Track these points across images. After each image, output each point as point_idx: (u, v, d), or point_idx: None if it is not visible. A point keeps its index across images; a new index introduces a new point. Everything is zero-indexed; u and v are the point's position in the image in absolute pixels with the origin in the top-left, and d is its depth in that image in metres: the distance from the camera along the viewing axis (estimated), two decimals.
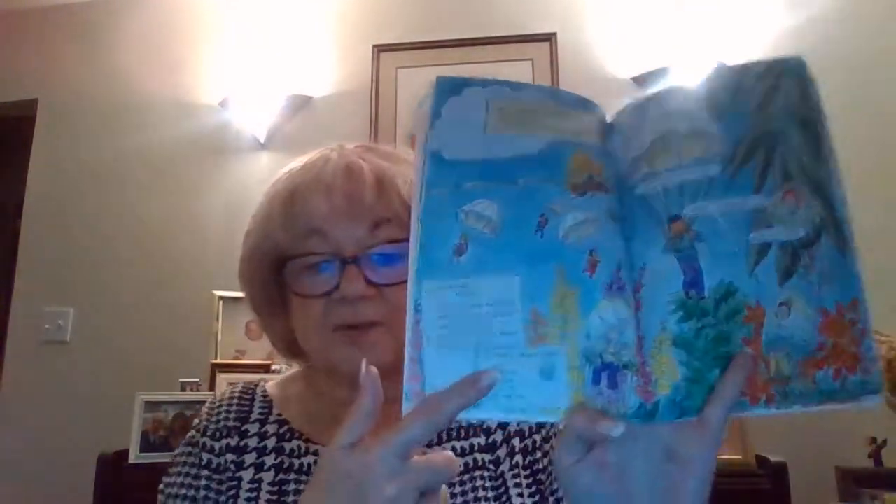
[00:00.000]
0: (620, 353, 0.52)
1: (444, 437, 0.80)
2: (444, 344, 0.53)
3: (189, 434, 0.85)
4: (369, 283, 0.73)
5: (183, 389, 2.16)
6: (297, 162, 0.81)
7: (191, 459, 0.82)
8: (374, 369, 0.54)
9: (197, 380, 2.20)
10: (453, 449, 0.79)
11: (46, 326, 2.66)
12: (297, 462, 0.80)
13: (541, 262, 0.54)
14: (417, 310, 0.53)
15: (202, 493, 0.79)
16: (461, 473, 0.77)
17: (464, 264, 0.54)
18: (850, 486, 1.74)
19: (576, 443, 0.52)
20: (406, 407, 0.52)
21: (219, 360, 2.28)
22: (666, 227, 0.54)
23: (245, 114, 2.68)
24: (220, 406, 0.85)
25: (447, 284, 0.54)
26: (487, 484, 0.78)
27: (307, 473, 0.78)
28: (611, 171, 0.57)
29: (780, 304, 0.52)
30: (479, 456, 0.79)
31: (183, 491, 0.79)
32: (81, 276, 2.70)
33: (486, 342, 0.52)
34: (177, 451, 0.84)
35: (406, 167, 0.77)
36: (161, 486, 0.81)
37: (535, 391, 0.52)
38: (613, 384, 0.52)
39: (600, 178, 0.56)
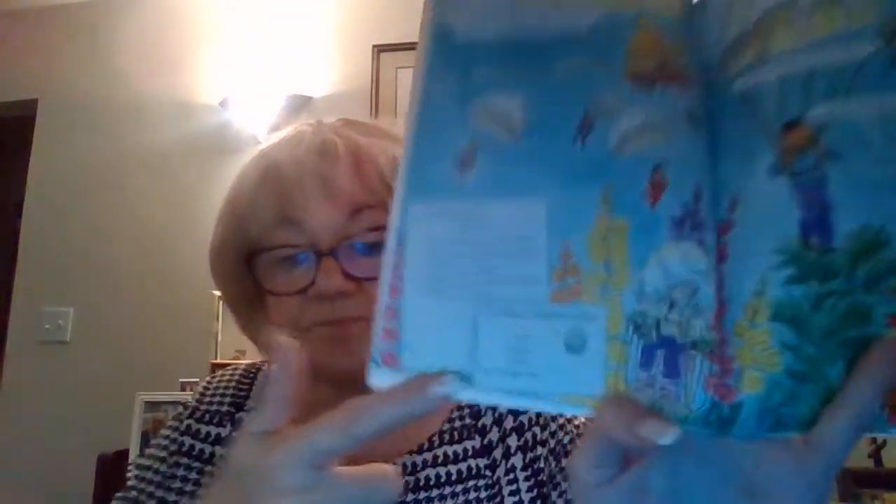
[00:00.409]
0: (688, 325, 0.34)
1: (437, 441, 0.67)
2: (434, 291, 0.37)
3: (176, 412, 0.74)
4: (348, 276, 0.62)
5: (183, 389, 2.14)
6: (273, 139, 0.72)
7: (167, 443, 0.71)
8: (290, 340, 0.40)
9: (197, 380, 2.21)
10: (445, 455, 0.66)
11: (46, 326, 2.66)
12: None
13: (579, 182, 0.36)
14: (401, 243, 0.38)
15: (177, 483, 0.68)
16: (453, 483, 0.65)
17: (469, 182, 0.38)
18: (850, 486, 1.71)
19: (606, 453, 0.34)
20: (374, 378, 0.37)
21: (219, 360, 2.25)
22: (778, 138, 0.35)
23: (245, 114, 2.64)
24: (217, 387, 0.75)
25: (444, 209, 0.38)
26: (483, 495, 0.63)
27: None
28: (693, 58, 0.38)
29: None
30: (473, 462, 0.66)
31: (149, 475, 0.69)
32: (81, 276, 2.70)
33: (491, 292, 0.36)
34: (160, 433, 0.73)
35: (390, 142, 0.67)
36: (130, 467, 0.71)
37: (555, 368, 0.35)
38: (673, 370, 0.34)
39: (677, 66, 0.38)
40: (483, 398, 0.36)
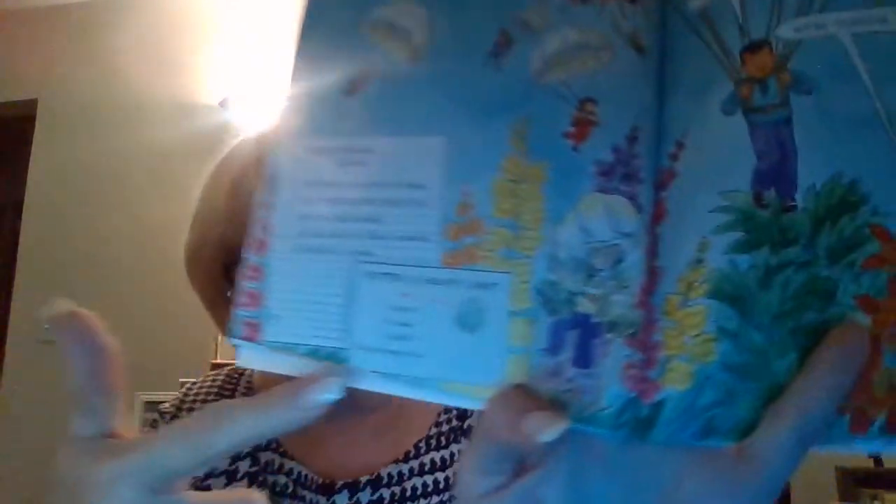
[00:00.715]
0: (608, 301, 0.27)
1: (423, 447, 0.61)
2: (306, 246, 0.30)
3: (151, 420, 0.67)
4: None
5: None
6: (255, 131, 0.68)
7: None
8: (84, 312, 0.31)
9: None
10: (432, 462, 0.60)
11: (46, 326, 2.69)
12: (270, 479, 0.61)
13: (488, 116, 0.29)
14: (271, 187, 0.31)
15: None
16: (441, 491, 0.59)
17: (355, 113, 0.30)
18: (850, 486, 1.72)
19: (494, 457, 0.27)
20: (239, 353, 0.30)
21: (219, 360, 2.22)
22: (736, 66, 0.27)
23: (245, 114, 2.62)
24: (198, 394, 0.68)
25: (322, 146, 0.30)
26: None
27: (279, 494, 0.60)
28: None
29: None
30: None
31: None
32: (81, 276, 2.66)
33: (373, 249, 0.29)
34: None
35: None
36: None
37: (444, 349, 0.28)
38: (584, 356, 0.27)
39: None
40: (356, 380, 0.29)
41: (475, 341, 0.28)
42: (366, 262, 0.29)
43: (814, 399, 0.24)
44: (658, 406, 0.26)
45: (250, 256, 0.30)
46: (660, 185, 0.28)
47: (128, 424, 0.30)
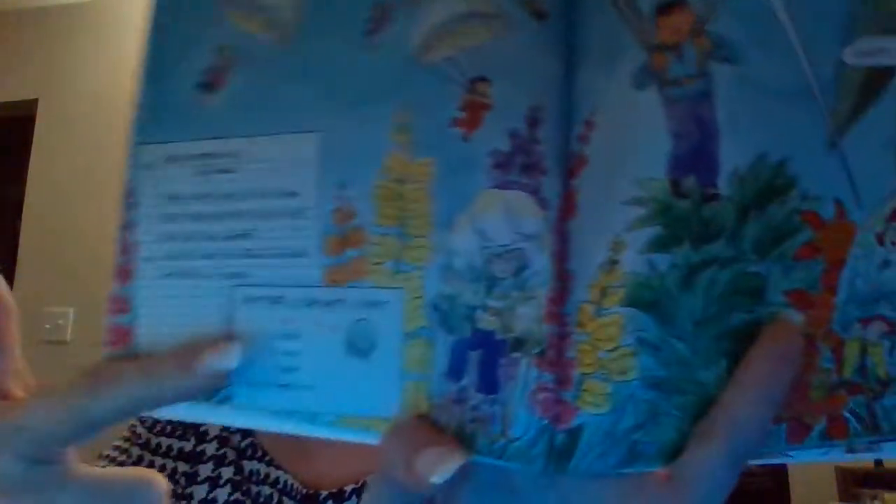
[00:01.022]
0: (513, 314, 0.23)
1: None
2: (176, 273, 0.26)
3: (129, 425, 0.63)
4: None
5: None
6: None
7: (124, 459, 0.60)
8: None
9: None
10: None
11: (46, 326, 2.60)
12: (254, 489, 0.57)
13: (366, 104, 0.25)
14: (130, 198, 0.27)
15: None
16: None
17: (216, 110, 0.26)
18: (850, 486, 1.73)
19: (397, 499, 0.24)
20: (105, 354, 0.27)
21: None
22: (649, 30, 0.24)
23: None
24: None
25: (181, 151, 0.26)
26: None
27: None
28: None
29: (892, 218, 0.22)
30: None
31: None
32: (81, 276, 2.60)
33: (249, 270, 0.25)
34: (103, 454, 0.62)
35: None
36: None
37: (335, 379, 0.25)
38: (489, 380, 0.23)
39: None
40: (244, 420, 0.25)
41: (368, 368, 0.24)
42: (242, 285, 0.25)
43: (745, 412, 0.21)
44: (575, 432, 0.22)
45: (114, 287, 0.26)
46: (570, 174, 0.24)
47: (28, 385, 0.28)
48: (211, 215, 0.26)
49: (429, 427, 0.23)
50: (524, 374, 0.23)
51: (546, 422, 0.23)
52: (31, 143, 2.83)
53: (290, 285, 0.25)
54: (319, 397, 0.24)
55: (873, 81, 0.22)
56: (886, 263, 0.22)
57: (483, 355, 0.23)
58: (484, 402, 0.23)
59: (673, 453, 0.22)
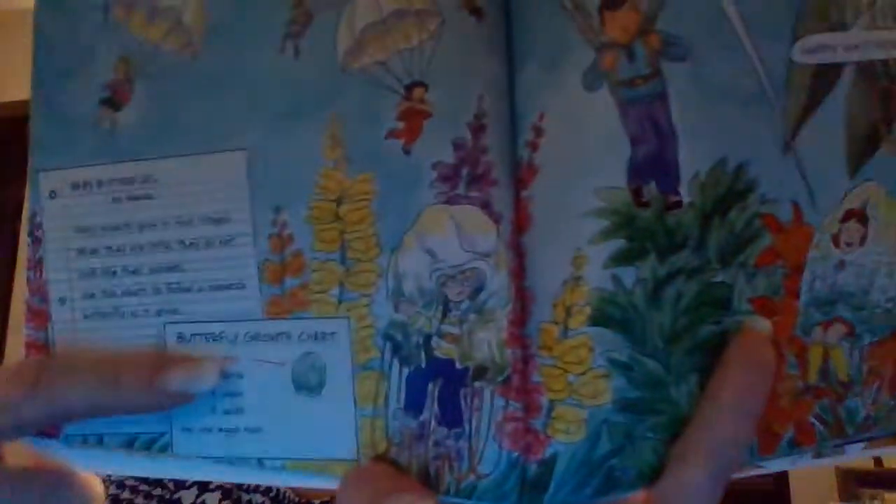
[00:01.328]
0: (472, 339, 0.22)
1: None
2: (97, 313, 0.24)
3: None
4: None
5: None
6: None
7: None
8: None
9: None
10: None
11: None
12: (244, 496, 0.54)
13: (293, 116, 0.23)
14: (36, 232, 0.24)
15: None
16: None
17: (122, 128, 0.23)
18: (850, 486, 1.72)
19: None
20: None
21: None
22: (595, 27, 0.22)
23: None
24: None
25: (87, 176, 0.24)
26: None
27: None
28: None
29: (845, 219, 0.21)
30: None
31: None
32: None
33: (179, 306, 0.23)
34: None
35: None
36: None
37: (285, 420, 0.23)
38: (452, 413, 0.22)
39: None
40: (186, 470, 0.24)
41: (318, 406, 0.22)
42: (174, 322, 0.23)
43: (725, 429, 0.20)
44: (548, 463, 0.21)
45: (30, 332, 0.24)
46: (520, 184, 0.22)
47: None
48: (131, 247, 0.23)
49: (390, 469, 0.21)
50: (489, 403, 0.21)
51: (516, 454, 0.21)
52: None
53: (228, 320, 0.23)
54: (267, 441, 0.23)
55: (821, 80, 0.22)
56: (842, 264, 0.22)
57: (443, 386, 0.22)
58: (448, 437, 0.22)
59: (651, 476, 0.21)
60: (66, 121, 0.24)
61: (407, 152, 0.22)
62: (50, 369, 0.22)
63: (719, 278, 0.21)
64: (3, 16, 2.87)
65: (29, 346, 0.24)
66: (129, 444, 0.23)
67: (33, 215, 0.24)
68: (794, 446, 0.22)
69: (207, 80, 0.23)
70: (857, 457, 0.23)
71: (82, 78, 0.23)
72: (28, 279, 0.24)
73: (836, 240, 0.22)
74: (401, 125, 0.22)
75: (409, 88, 0.22)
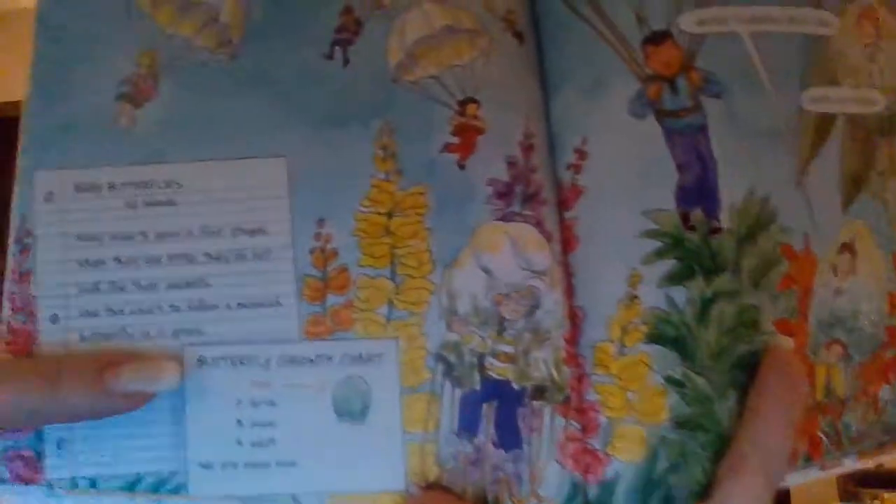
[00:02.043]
0: (528, 358, 0.21)
1: None
2: (96, 333, 0.21)
3: None
4: None
5: None
6: None
7: None
8: None
9: None
10: None
11: None
12: None
13: (339, 125, 0.21)
14: (23, 238, 0.20)
15: None
16: None
17: (141, 129, 0.21)
18: (850, 486, 1.68)
19: None
20: None
21: None
22: (639, 60, 0.23)
23: None
24: None
25: (99, 178, 0.21)
26: None
27: None
28: None
29: (841, 251, 0.24)
30: None
31: None
32: None
33: (201, 325, 0.20)
34: None
35: None
36: None
37: (324, 451, 0.21)
38: (510, 435, 0.21)
39: None
40: None
41: (362, 433, 0.21)
42: (194, 344, 0.20)
43: (773, 441, 0.21)
44: (610, 484, 0.21)
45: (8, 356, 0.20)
46: (564, 203, 0.23)
47: None
48: (146, 259, 0.20)
49: (446, 497, 0.20)
50: (549, 424, 0.21)
51: (577, 476, 0.21)
52: None
53: (259, 341, 0.21)
54: (303, 475, 0.20)
55: (824, 125, 0.24)
56: (838, 291, 0.24)
57: (499, 407, 0.21)
58: (506, 461, 0.21)
59: (699, 492, 0.21)
60: (73, 115, 0.21)
61: (462, 167, 0.22)
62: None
63: (750, 301, 0.22)
64: (4, 16, 2.72)
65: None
66: (131, 486, 0.20)
67: (23, 220, 0.20)
68: (808, 460, 0.23)
69: (245, 81, 0.21)
70: (850, 468, 0.25)
71: (94, 70, 0.21)
72: (10, 294, 0.20)
73: (834, 268, 0.24)
74: (455, 140, 0.22)
75: (462, 104, 0.22)
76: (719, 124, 0.23)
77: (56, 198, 0.20)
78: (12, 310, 0.20)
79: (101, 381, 0.19)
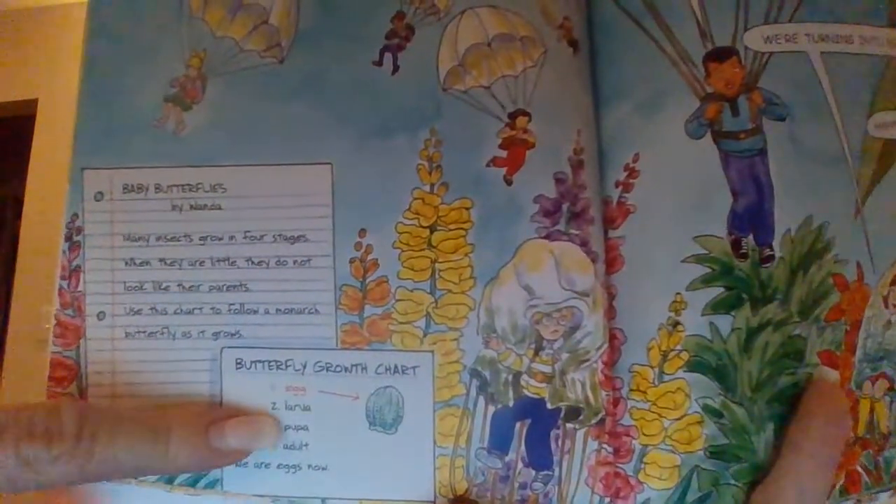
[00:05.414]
0: (564, 379, 0.21)
1: None
2: (140, 331, 0.21)
3: None
4: None
5: None
6: None
7: None
8: None
9: None
10: None
11: (46, 326, 2.39)
12: None
13: (385, 134, 0.21)
14: (73, 235, 0.21)
15: None
16: None
17: (189, 132, 0.21)
18: None
19: None
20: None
21: None
22: (699, 76, 0.22)
23: None
24: None
25: (149, 179, 0.21)
26: None
27: None
28: None
29: (894, 282, 0.23)
30: None
31: None
32: None
33: (240, 328, 0.21)
34: None
35: None
36: None
37: (355, 458, 0.21)
38: (541, 455, 0.21)
39: None
40: None
41: (393, 443, 0.21)
42: (233, 346, 0.21)
43: (811, 478, 0.21)
44: None
45: (57, 350, 0.21)
46: (610, 221, 0.22)
47: None
48: (189, 261, 0.21)
49: None
50: (581, 446, 0.21)
51: (608, 500, 0.21)
52: (31, 142, 2.69)
53: (296, 347, 0.21)
54: (334, 480, 0.21)
55: (889, 152, 0.23)
56: (889, 324, 0.23)
57: (531, 426, 0.21)
58: (535, 480, 0.21)
59: None
60: (122, 116, 0.21)
61: (508, 182, 0.21)
62: (92, 421, 0.19)
63: (798, 331, 0.22)
64: (4, 16, 2.83)
65: (55, 365, 0.21)
66: (170, 479, 0.21)
67: (73, 218, 0.21)
68: (845, 494, 0.23)
69: (292, 86, 0.21)
70: None
71: (145, 71, 0.21)
72: (60, 289, 0.21)
73: (886, 301, 0.23)
74: (503, 153, 0.21)
75: (512, 116, 0.22)
76: (780, 149, 0.22)
77: (105, 197, 0.21)
78: (62, 305, 0.21)
79: (207, 438, 0.19)
